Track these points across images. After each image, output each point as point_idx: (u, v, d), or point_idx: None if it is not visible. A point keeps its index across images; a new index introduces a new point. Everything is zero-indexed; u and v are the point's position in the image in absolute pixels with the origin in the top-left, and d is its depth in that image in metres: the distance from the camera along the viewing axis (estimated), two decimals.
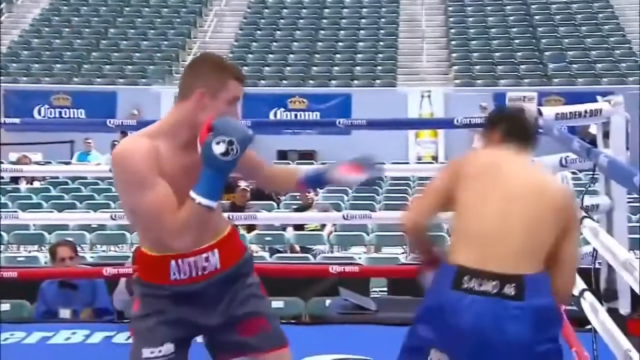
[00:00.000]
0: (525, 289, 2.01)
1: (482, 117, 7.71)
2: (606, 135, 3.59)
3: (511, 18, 17.89)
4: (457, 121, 4.02)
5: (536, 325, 2.02)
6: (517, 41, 17.00)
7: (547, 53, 16.36)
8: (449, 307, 2.04)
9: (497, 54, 16.64)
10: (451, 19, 18.01)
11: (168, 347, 2.14)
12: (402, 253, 7.00)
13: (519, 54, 16.56)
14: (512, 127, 2.34)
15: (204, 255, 2.15)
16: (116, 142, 12.86)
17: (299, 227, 7.69)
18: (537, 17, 17.71)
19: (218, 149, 1.93)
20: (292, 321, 4.33)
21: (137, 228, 2.25)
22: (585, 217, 2.64)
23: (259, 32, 18.18)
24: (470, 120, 4.07)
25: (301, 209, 7.79)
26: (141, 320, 2.19)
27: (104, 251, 7.65)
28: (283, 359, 2.24)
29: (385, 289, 5.10)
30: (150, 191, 1.99)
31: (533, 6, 18.11)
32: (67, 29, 18.19)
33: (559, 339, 2.12)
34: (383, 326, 3.83)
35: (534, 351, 2.02)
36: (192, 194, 1.97)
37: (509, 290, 2.01)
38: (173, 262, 2.13)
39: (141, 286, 2.22)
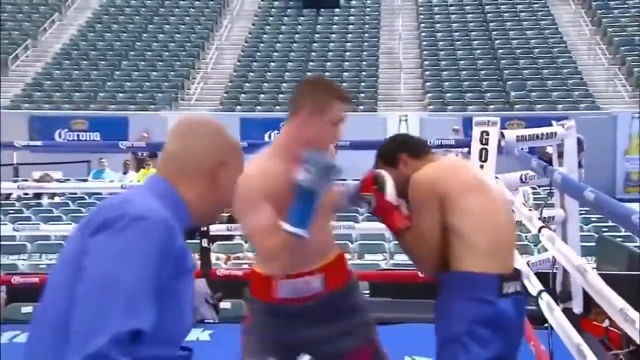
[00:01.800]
0: (522, 280, 2.09)
1: (452, 138, 7.74)
2: (560, 155, 3.61)
3: (478, 52, 18.03)
4: (430, 142, 4.05)
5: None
6: (483, 72, 17.13)
7: (509, 82, 16.49)
8: (501, 312, 1.96)
9: (465, 83, 16.75)
10: (425, 52, 18.13)
11: None
12: (383, 260, 6.99)
13: (485, 83, 16.68)
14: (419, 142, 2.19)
15: (305, 278, 2.00)
16: (128, 162, 12.82)
17: None
18: (500, 51, 17.86)
19: (305, 180, 1.82)
20: None
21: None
22: (544, 227, 2.65)
23: (255, 63, 18.23)
24: (442, 142, 4.10)
25: None
26: (249, 334, 2.08)
27: None
28: None
29: (367, 291, 5.08)
30: (254, 217, 1.86)
31: (497, 41, 18.27)
32: (85, 62, 18.18)
33: None
34: None
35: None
36: (282, 223, 1.83)
37: (519, 287, 2.04)
38: (275, 283, 2.01)
39: (251, 302, 2.11)
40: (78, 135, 15.33)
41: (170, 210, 1.25)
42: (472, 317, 1.94)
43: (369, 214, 2.14)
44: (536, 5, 19.83)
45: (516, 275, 2.03)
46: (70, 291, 1.15)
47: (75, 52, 18.72)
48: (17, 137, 11.05)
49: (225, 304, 4.38)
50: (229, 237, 7.26)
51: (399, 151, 2.10)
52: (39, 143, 6.11)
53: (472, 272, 1.96)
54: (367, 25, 19.76)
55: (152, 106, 16.14)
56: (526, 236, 6.84)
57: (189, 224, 1.31)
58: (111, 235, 1.16)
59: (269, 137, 14.62)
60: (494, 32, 18.71)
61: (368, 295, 5.03)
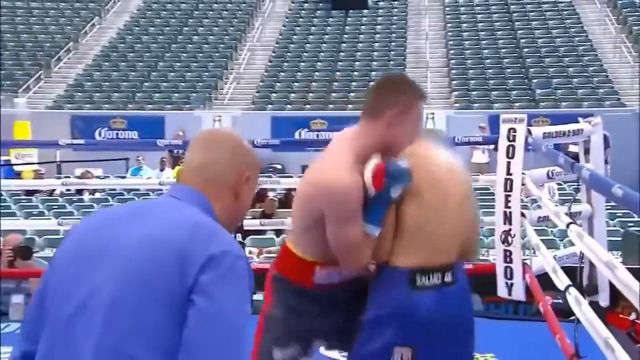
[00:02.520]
0: (455, 272, 1.99)
1: (479, 135, 7.67)
2: (587, 151, 3.56)
3: (503, 50, 17.84)
4: (457, 139, 4.02)
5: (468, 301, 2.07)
6: (508, 70, 16.94)
7: (534, 80, 16.28)
8: (410, 306, 1.92)
9: (491, 81, 16.59)
10: (451, 51, 18.00)
11: (296, 351, 1.97)
12: None
13: (511, 81, 16.50)
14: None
15: None
16: (164, 159, 12.96)
17: None
18: (525, 49, 17.64)
19: (395, 193, 1.89)
20: None
21: (301, 231, 2.01)
22: (571, 223, 2.61)
23: (285, 64, 18.28)
24: (468, 139, 4.07)
25: None
26: (277, 319, 2.00)
27: None
28: None
29: None
30: (353, 227, 1.86)
31: (522, 40, 18.06)
32: (123, 64, 18.41)
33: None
34: None
35: (470, 320, 2.05)
36: (371, 229, 1.88)
37: (450, 277, 1.97)
38: (317, 268, 1.97)
39: (283, 282, 2.02)
40: (117, 134, 15.53)
41: None
42: (382, 308, 1.94)
43: None
44: (561, 4, 19.54)
45: (445, 266, 1.95)
46: (173, 319, 1.17)
47: (114, 54, 18.96)
48: (59, 135, 11.23)
49: (257, 296, 4.40)
50: (262, 232, 7.31)
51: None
52: (81, 141, 6.21)
53: (385, 266, 1.95)
54: (394, 26, 19.68)
55: (187, 106, 16.28)
56: (552, 231, 6.76)
57: None
58: (222, 276, 1.20)
59: (299, 134, 14.67)
60: (520, 31, 18.49)
61: None
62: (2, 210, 9.01)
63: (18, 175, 13.10)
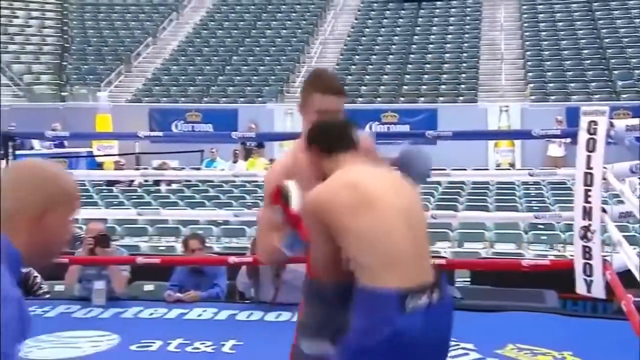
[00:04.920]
0: (442, 289, 1.87)
1: (557, 129, 7.43)
2: None
3: (582, 41, 17.21)
4: (535, 132, 3.90)
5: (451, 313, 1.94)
6: (587, 61, 16.34)
7: (615, 71, 15.64)
8: (404, 330, 1.77)
9: (569, 72, 16.04)
10: (527, 42, 17.51)
11: (325, 345, 1.97)
12: (483, 248, 6.83)
13: (590, 72, 15.91)
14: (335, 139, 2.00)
15: None
16: (237, 151, 13.18)
17: None
18: (606, 39, 16.96)
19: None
20: None
21: None
22: None
23: (357, 57, 18.23)
24: (546, 132, 3.95)
25: None
26: (307, 315, 2.05)
27: (227, 243, 7.79)
28: None
29: (469, 279, 4.99)
30: (264, 209, 2.06)
31: (603, 30, 17.36)
32: (199, 58, 18.81)
33: None
34: (467, 312, 3.75)
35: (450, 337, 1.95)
36: (281, 245, 2.00)
37: (436, 297, 1.83)
38: None
39: (309, 282, 2.08)
40: (193, 127, 15.88)
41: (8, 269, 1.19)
42: (368, 336, 1.78)
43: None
44: None
45: (430, 285, 1.83)
46: None
47: (191, 49, 19.40)
48: (138, 128, 11.58)
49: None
50: None
51: (312, 141, 2.01)
52: (159, 134, 6.38)
53: (370, 287, 1.80)
54: (468, 17, 19.30)
55: (260, 99, 16.48)
56: (633, 227, 6.49)
57: (21, 272, 1.25)
58: None
59: (370, 127, 14.61)
60: (600, 21, 17.79)
61: (469, 283, 4.94)
62: (85, 200, 9.39)
63: (100, 166, 13.62)
